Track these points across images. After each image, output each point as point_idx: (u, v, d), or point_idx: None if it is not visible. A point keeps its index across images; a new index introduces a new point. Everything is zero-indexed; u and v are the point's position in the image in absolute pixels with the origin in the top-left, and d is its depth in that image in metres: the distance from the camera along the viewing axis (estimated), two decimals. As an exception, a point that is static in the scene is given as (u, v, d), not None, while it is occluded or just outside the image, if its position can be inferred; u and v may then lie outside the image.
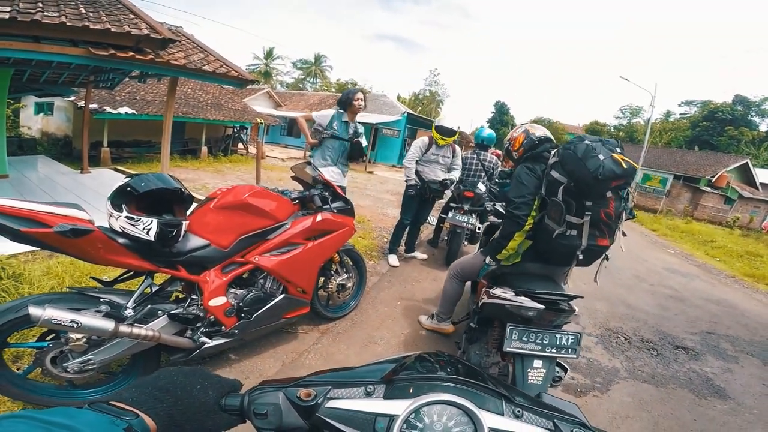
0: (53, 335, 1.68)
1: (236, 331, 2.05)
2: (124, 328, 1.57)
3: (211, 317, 1.97)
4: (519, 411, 0.54)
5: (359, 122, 3.72)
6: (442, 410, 0.52)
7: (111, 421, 0.43)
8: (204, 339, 1.94)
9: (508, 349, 1.82)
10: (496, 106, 45.19)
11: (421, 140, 4.29)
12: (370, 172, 15.54)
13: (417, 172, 4.22)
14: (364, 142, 3.75)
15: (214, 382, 0.58)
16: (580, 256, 1.88)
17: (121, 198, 1.66)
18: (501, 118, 42.71)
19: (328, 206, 2.55)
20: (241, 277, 2.16)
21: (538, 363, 1.83)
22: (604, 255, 1.97)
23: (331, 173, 3.52)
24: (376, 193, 10.16)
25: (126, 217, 1.64)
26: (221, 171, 11.29)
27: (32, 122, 13.96)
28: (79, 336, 1.57)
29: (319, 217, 2.42)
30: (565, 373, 2.02)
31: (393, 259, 4.52)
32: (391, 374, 0.59)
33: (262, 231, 2.15)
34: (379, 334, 2.92)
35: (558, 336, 1.84)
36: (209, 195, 2.14)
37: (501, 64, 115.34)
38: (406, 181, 4.24)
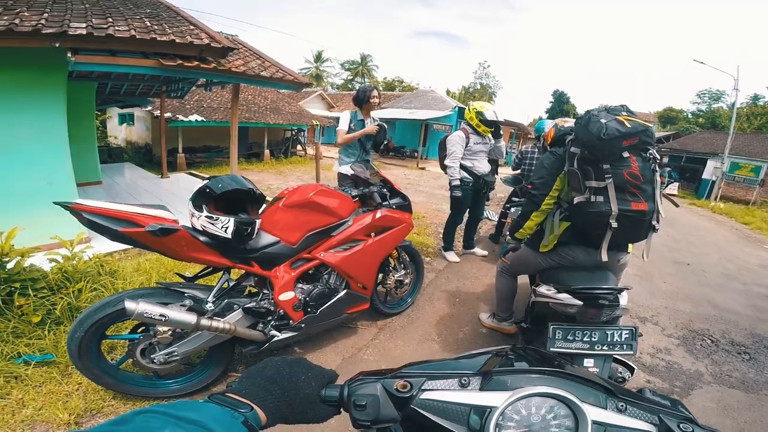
0: (143, 328, 1.86)
1: (303, 325, 2.13)
2: (204, 322, 1.71)
3: (281, 311, 2.06)
4: (622, 405, 0.53)
5: (380, 117, 3.79)
6: (541, 403, 0.52)
7: (231, 414, 0.45)
8: (274, 332, 2.04)
9: (552, 349, 1.75)
10: (554, 96, 42.80)
11: (458, 135, 3.96)
12: (423, 168, 15.44)
13: (466, 168, 3.99)
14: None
15: (315, 373, 0.59)
16: (614, 224, 1.75)
17: (201, 199, 1.78)
18: (561, 107, 40.38)
19: (386, 202, 2.59)
20: (307, 273, 2.23)
21: (589, 362, 1.75)
22: (651, 226, 1.80)
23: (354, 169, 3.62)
24: (429, 189, 10.07)
25: (206, 216, 1.75)
26: (283, 172, 11.86)
27: (117, 132, 15.64)
28: (165, 329, 1.72)
29: (378, 214, 2.46)
30: (631, 374, 1.88)
31: (451, 256, 4.44)
32: (487, 366, 0.59)
33: (327, 228, 2.22)
34: (437, 331, 2.89)
35: (609, 332, 1.74)
36: (278, 195, 2.24)
37: (556, 52, 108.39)
38: (450, 182, 3.95)
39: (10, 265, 2.20)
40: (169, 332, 1.74)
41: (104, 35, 3.73)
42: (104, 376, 1.80)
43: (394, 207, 2.60)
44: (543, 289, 1.98)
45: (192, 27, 5.08)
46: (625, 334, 1.74)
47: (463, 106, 21.61)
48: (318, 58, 44.04)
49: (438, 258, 4.48)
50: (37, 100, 3.81)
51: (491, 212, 5.48)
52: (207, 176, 8.96)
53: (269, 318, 2.04)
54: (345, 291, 2.32)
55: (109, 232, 1.59)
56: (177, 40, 4.35)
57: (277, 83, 5.91)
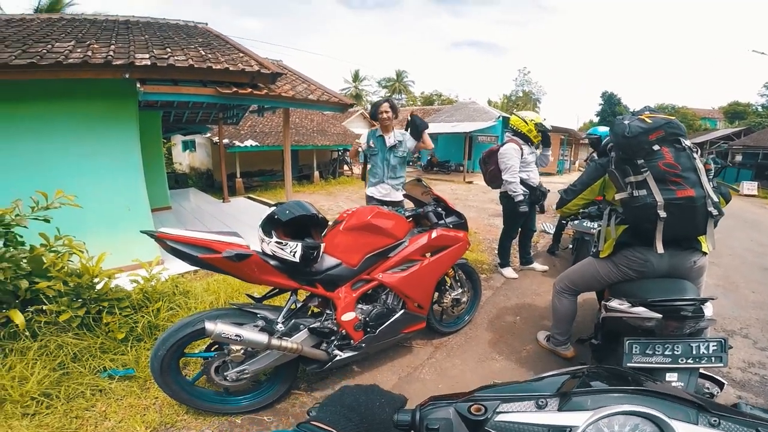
0: (216, 346, 1.96)
1: (363, 345, 2.18)
2: (275, 341, 1.81)
3: (343, 331, 2.12)
4: (715, 420, 0.51)
5: (400, 131, 3.55)
6: (624, 421, 0.51)
7: None
8: (337, 351, 2.10)
9: (629, 364, 1.66)
10: (603, 98, 40.52)
11: (512, 148, 3.77)
12: (470, 182, 15.19)
13: (522, 180, 3.81)
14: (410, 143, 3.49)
15: (388, 399, 0.60)
16: (662, 213, 1.74)
17: (270, 225, 1.91)
18: (612, 110, 38.04)
19: (442, 221, 2.59)
20: (366, 294, 2.28)
21: (672, 376, 1.65)
22: (707, 214, 1.74)
23: (379, 190, 3.52)
24: (479, 204, 9.86)
25: (276, 242, 1.86)
26: (332, 193, 12.20)
27: (182, 158, 17.00)
28: (238, 348, 1.82)
29: (434, 234, 2.48)
30: (720, 389, 1.73)
31: (509, 272, 4.27)
32: (566, 386, 0.58)
33: (384, 249, 2.27)
34: (497, 349, 2.78)
35: (694, 344, 1.62)
36: (337, 218, 2.32)
37: (601, 52, 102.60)
38: (513, 198, 3.74)
39: (99, 286, 2.42)
40: (242, 351, 1.85)
41: (166, 65, 4.00)
42: (181, 391, 1.91)
43: (450, 226, 2.60)
44: (615, 303, 1.89)
45: (241, 54, 5.36)
46: (713, 346, 1.61)
47: (506, 115, 21.14)
48: (356, 77, 45.01)
49: (495, 274, 4.34)
50: (114, 130, 4.16)
51: (548, 225, 5.22)
52: (265, 200, 9.49)
53: (332, 338, 2.10)
54: (402, 311, 2.34)
55: (190, 258, 1.73)
56: (230, 68, 4.59)
57: (324, 106, 6.08)
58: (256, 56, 5.44)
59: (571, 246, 4.53)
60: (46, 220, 2.32)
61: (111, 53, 3.94)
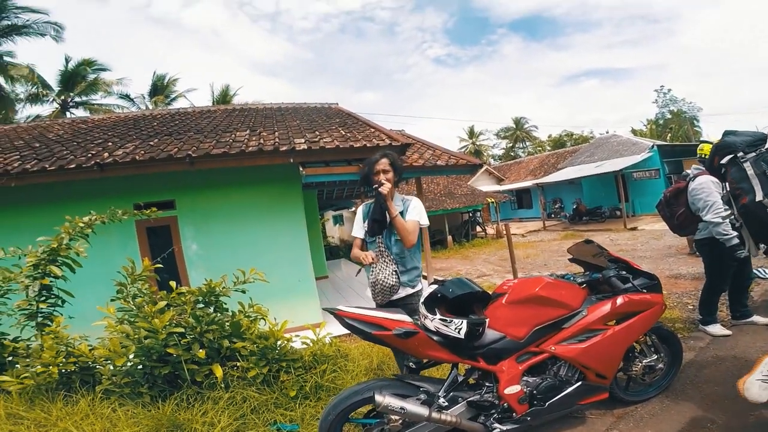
0: (376, 413, 2.00)
1: (528, 418, 2.07)
2: (435, 414, 1.84)
3: (505, 404, 2.03)
4: None
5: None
6: None
7: None
8: (496, 425, 2.02)
9: None
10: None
11: (710, 181, 3.05)
12: (633, 228, 12.91)
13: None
14: (418, 218, 2.48)
15: None
16: None
17: (433, 303, 1.99)
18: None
19: (629, 285, 2.29)
20: (533, 365, 2.13)
21: None
22: None
23: (388, 277, 2.32)
24: (652, 253, 8.29)
25: (440, 319, 1.92)
26: (468, 257, 11.90)
27: (333, 232, 19.36)
28: (398, 418, 1.88)
29: (619, 301, 2.23)
30: None
31: (716, 329, 3.34)
32: None
33: (557, 320, 2.14)
34: (709, 416, 2.25)
35: None
36: (496, 290, 2.26)
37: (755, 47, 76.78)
38: (725, 242, 2.98)
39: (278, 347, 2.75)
40: (400, 421, 1.91)
41: (318, 148, 4.60)
42: None
43: (642, 290, 2.30)
44: None
45: (372, 130, 5.86)
46: None
47: (661, 143, 17.95)
48: (471, 133, 44.85)
49: (694, 333, 3.50)
50: (286, 212, 5.01)
51: (763, 270, 4.04)
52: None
53: (492, 411, 2.03)
54: (579, 383, 2.16)
55: (363, 333, 1.89)
56: (367, 144, 5.02)
57: (453, 170, 6.17)
58: (385, 130, 5.92)
59: None
60: (243, 291, 2.86)
61: (276, 140, 4.75)
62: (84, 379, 2.56)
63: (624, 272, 2.35)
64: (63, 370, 2.53)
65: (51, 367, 2.42)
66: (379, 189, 2.27)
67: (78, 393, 2.43)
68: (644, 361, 2.41)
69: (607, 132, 21.83)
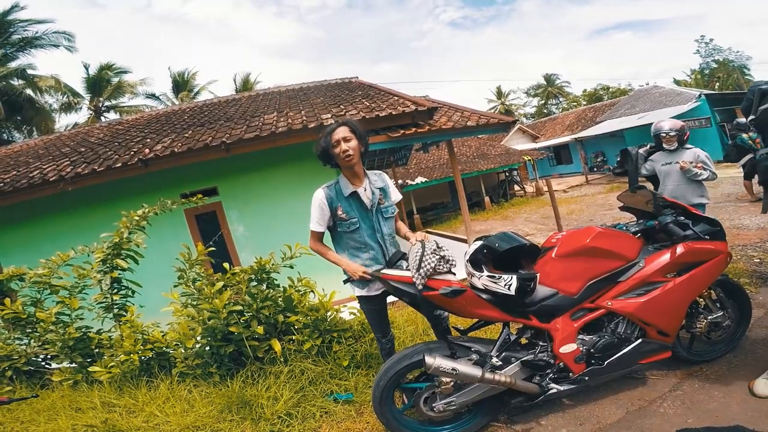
0: (425, 377, 2.03)
1: (586, 378, 1.99)
2: (488, 375, 1.80)
3: (560, 364, 1.96)
4: None
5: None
6: None
7: None
8: (553, 385, 1.96)
9: None
10: None
11: None
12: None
13: None
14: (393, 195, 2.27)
15: None
16: None
17: (479, 260, 1.90)
18: None
19: (689, 232, 2.08)
20: (589, 322, 2.03)
21: None
22: None
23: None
24: (712, 203, 7.72)
25: (488, 276, 1.85)
26: (508, 217, 11.69)
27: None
28: (449, 380, 1.84)
29: (679, 249, 2.04)
30: None
31: None
32: None
33: (612, 273, 2.01)
34: None
35: None
36: (544, 244, 2.16)
37: None
38: None
39: (329, 318, 2.85)
40: (452, 384, 1.86)
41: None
42: (393, 420, 2.00)
43: (704, 237, 2.09)
44: None
45: (396, 98, 5.83)
46: None
47: (709, 92, 16.30)
48: (499, 93, 42.64)
49: (763, 288, 3.25)
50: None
51: None
52: (450, 234, 9.69)
53: (547, 371, 1.96)
54: (640, 340, 2.03)
55: (409, 295, 1.84)
56: (393, 112, 5.06)
57: (484, 129, 5.97)
58: (409, 96, 5.86)
59: None
60: (291, 267, 2.95)
61: (303, 117, 4.90)
62: (161, 363, 2.79)
63: (682, 218, 2.15)
64: (142, 357, 2.76)
65: (132, 355, 2.66)
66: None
67: (157, 377, 2.66)
68: (709, 317, 2.23)
69: (648, 84, 20.05)
